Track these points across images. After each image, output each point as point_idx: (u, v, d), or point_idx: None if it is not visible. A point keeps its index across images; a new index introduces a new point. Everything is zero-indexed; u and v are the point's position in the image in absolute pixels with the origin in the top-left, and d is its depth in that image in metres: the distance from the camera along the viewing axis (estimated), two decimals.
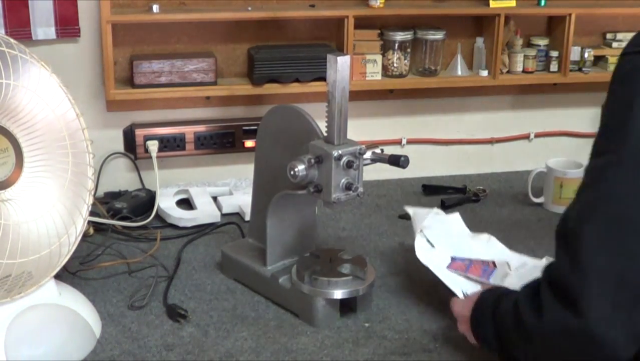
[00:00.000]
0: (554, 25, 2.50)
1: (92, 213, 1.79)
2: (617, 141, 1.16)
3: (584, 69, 2.51)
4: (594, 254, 1.14)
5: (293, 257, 1.80)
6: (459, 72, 2.45)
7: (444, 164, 2.60)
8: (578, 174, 2.28)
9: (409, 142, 2.56)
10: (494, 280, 1.64)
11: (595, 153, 1.21)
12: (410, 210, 1.86)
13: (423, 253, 1.71)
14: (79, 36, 2.20)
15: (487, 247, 1.78)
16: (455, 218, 1.88)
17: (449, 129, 2.58)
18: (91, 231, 2.04)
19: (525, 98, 2.61)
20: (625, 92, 1.17)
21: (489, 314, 1.40)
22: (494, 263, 1.71)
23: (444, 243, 1.76)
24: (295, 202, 1.76)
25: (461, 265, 1.70)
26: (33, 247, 1.51)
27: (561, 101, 2.64)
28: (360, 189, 1.65)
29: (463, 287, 1.63)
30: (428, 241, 1.73)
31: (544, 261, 1.70)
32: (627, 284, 1.13)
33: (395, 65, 2.38)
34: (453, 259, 1.71)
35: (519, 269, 1.69)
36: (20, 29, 2.11)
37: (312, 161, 1.61)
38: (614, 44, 2.54)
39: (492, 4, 2.35)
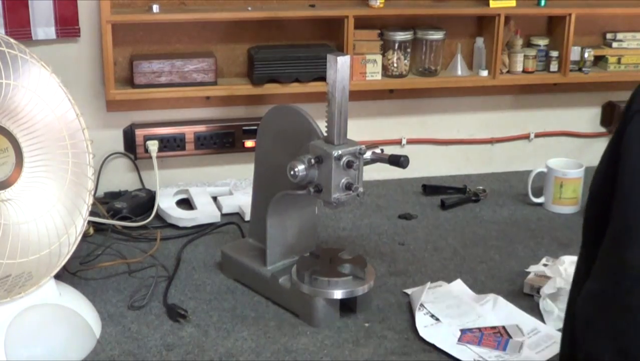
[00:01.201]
0: (554, 25, 2.50)
1: (92, 213, 1.79)
2: None
3: (584, 69, 2.51)
4: None
5: (293, 257, 1.80)
6: (459, 72, 2.45)
7: (444, 164, 2.60)
8: (578, 174, 2.29)
9: (409, 142, 2.56)
10: (511, 351, 1.59)
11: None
12: (409, 291, 1.83)
13: (427, 330, 1.65)
14: (79, 36, 2.20)
15: (495, 311, 1.72)
16: (458, 284, 1.83)
17: (449, 129, 2.58)
18: (91, 231, 2.04)
19: (525, 98, 2.61)
20: None
21: None
22: (504, 327, 1.67)
23: (449, 315, 1.70)
24: (295, 202, 1.76)
25: (473, 338, 1.63)
26: (33, 247, 1.51)
27: (561, 101, 2.64)
28: (360, 189, 1.65)
29: (476, 356, 1.57)
30: (432, 316, 1.70)
31: (553, 331, 1.64)
32: None
33: (395, 65, 2.38)
34: (462, 332, 1.65)
35: (531, 335, 1.64)
36: (20, 29, 2.11)
37: (312, 161, 1.62)
38: (614, 44, 2.54)
39: (492, 4, 2.35)
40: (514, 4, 2.37)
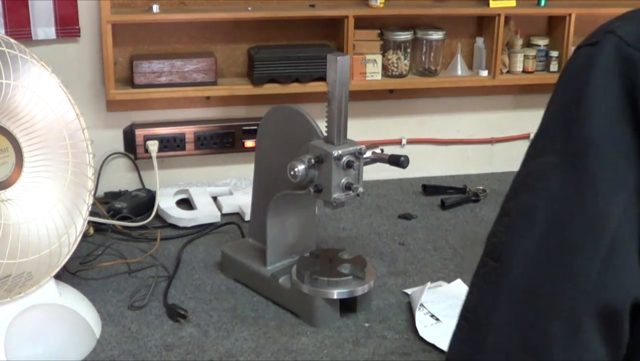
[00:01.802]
0: (554, 25, 2.50)
1: (92, 213, 1.79)
2: (560, 140, 0.96)
3: None
4: (523, 279, 0.92)
5: (293, 257, 1.80)
6: (459, 72, 2.45)
7: (444, 164, 2.60)
8: None
9: (409, 142, 2.56)
10: None
11: (530, 156, 1.01)
12: (409, 291, 1.83)
13: (427, 330, 1.65)
14: (79, 36, 2.20)
15: None
16: (458, 284, 1.84)
17: (449, 129, 2.58)
18: (91, 231, 2.03)
19: (525, 98, 2.61)
20: (574, 85, 0.99)
21: None
22: None
23: (449, 315, 1.69)
24: (295, 202, 1.76)
25: None
26: (33, 247, 1.51)
27: None
28: (360, 189, 1.64)
29: None
30: (432, 315, 1.70)
31: None
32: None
33: (395, 65, 2.38)
34: None
35: None
36: (20, 29, 2.11)
37: (312, 161, 1.61)
38: None
39: (492, 4, 2.35)
40: (514, 4, 2.37)
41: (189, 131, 2.32)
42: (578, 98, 0.96)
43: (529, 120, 2.63)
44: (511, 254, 0.95)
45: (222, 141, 2.35)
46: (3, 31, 2.08)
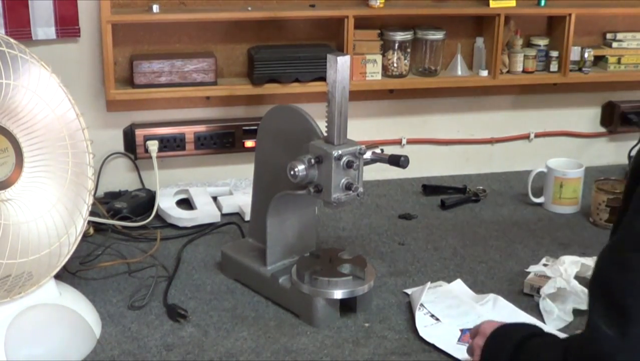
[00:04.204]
0: (554, 25, 2.50)
1: (92, 213, 1.79)
2: None
3: (584, 69, 2.51)
4: None
5: (293, 257, 1.80)
6: (459, 72, 2.45)
7: (444, 164, 2.60)
8: (578, 174, 2.29)
9: (409, 142, 2.56)
10: None
11: None
12: (409, 291, 1.83)
13: (427, 330, 1.64)
14: (79, 36, 2.20)
15: (494, 310, 1.72)
16: (458, 284, 1.83)
17: (449, 129, 2.58)
18: (91, 231, 2.04)
19: (525, 98, 2.61)
20: None
21: (509, 348, 1.28)
22: None
23: (449, 315, 1.70)
24: (295, 202, 1.77)
25: None
26: (33, 247, 1.51)
27: (561, 101, 2.64)
28: (360, 189, 1.65)
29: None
30: (432, 315, 1.70)
31: (553, 331, 1.63)
32: None
33: (395, 65, 2.38)
34: (462, 331, 1.64)
35: None
36: (20, 29, 2.11)
37: (312, 161, 1.62)
38: (614, 44, 2.54)
39: (492, 4, 2.35)
40: (514, 4, 2.37)
41: (189, 131, 2.33)
42: None
43: (529, 120, 2.64)
44: None
45: (222, 141, 2.36)
46: (3, 31, 2.08)
